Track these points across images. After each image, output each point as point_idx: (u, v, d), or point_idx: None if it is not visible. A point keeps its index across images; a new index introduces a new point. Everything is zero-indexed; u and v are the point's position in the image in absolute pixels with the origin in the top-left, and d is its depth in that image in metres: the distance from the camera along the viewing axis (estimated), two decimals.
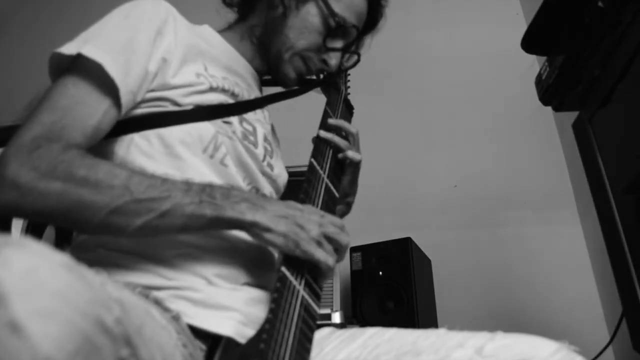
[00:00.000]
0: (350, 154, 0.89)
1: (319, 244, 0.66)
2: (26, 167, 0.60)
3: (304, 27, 0.90)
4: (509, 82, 2.24)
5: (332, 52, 0.93)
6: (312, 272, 0.67)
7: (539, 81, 1.24)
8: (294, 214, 0.67)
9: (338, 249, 0.69)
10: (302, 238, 0.65)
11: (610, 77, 1.02)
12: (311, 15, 0.90)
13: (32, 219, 0.84)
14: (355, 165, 0.93)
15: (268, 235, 0.65)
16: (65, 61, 0.71)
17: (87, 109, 0.68)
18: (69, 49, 0.70)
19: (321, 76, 0.99)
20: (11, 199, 0.59)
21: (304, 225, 0.66)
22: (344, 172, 0.93)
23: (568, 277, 2.00)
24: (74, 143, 0.65)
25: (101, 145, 0.73)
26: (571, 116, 1.20)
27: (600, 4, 0.99)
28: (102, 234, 0.70)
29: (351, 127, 0.92)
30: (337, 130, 0.91)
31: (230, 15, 0.99)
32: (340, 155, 0.89)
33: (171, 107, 0.77)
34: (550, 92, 1.19)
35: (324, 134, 0.87)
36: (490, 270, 2.09)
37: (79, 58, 0.70)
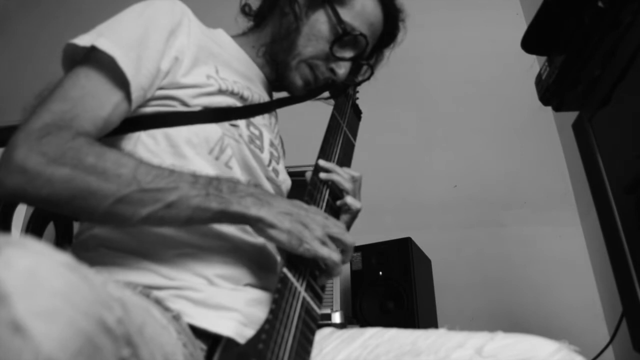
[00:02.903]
0: (350, 200, 0.82)
1: (323, 243, 0.66)
2: (34, 152, 0.60)
3: (312, 34, 0.90)
4: (509, 82, 2.24)
5: (340, 61, 0.92)
6: (314, 274, 0.67)
7: (539, 81, 1.24)
8: (298, 212, 0.67)
9: (343, 249, 0.69)
10: (306, 236, 0.65)
11: (610, 77, 1.01)
12: (320, 22, 0.90)
13: (38, 206, 0.83)
14: (354, 214, 0.86)
15: (272, 232, 0.65)
16: (79, 52, 0.72)
17: (98, 100, 0.69)
18: (83, 40, 0.71)
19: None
20: (18, 183, 0.59)
21: (308, 224, 0.66)
22: (338, 218, 0.83)
23: (568, 277, 2.00)
24: (84, 132, 0.66)
25: (108, 142, 0.73)
26: (571, 116, 1.20)
27: (600, 4, 0.99)
28: (107, 224, 0.70)
29: (353, 171, 0.85)
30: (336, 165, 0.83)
31: (246, 25, 0.99)
32: (338, 203, 0.82)
33: (180, 107, 0.77)
34: (550, 92, 1.19)
35: (325, 175, 0.80)
36: (490, 270, 2.09)
37: (92, 50, 0.70)
